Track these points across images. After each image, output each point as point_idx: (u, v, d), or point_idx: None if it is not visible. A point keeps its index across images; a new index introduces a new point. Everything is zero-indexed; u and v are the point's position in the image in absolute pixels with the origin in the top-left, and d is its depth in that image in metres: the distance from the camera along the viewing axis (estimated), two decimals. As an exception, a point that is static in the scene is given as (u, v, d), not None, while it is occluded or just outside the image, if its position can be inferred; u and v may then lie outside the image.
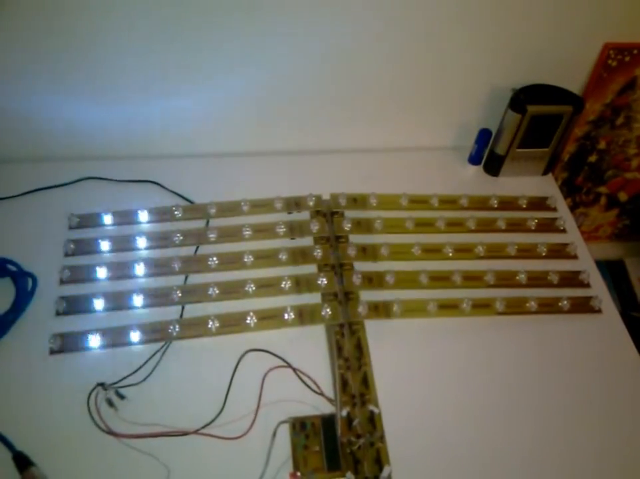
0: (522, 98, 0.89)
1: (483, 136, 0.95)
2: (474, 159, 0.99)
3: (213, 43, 0.83)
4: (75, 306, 0.75)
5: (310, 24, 0.83)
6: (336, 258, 0.82)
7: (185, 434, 0.65)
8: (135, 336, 0.72)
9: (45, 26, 0.77)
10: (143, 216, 0.84)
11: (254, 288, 0.77)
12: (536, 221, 0.90)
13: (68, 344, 0.71)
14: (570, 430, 0.70)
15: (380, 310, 0.77)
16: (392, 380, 0.71)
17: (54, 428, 0.65)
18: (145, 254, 0.81)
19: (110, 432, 0.64)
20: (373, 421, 0.67)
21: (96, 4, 0.76)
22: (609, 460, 0.69)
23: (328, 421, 0.67)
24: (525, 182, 0.97)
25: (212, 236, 0.83)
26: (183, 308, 0.76)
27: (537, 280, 0.83)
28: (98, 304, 0.75)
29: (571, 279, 0.84)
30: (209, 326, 0.73)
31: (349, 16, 0.82)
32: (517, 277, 0.83)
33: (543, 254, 0.86)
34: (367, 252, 0.83)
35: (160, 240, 0.82)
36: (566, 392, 0.74)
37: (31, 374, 0.69)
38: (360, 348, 0.73)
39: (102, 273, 0.78)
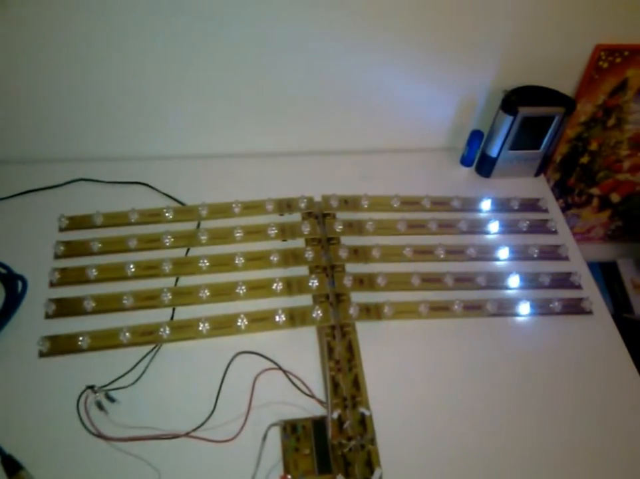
0: (514, 99, 0.89)
1: (475, 137, 0.95)
2: (466, 161, 0.99)
3: (205, 44, 0.83)
4: (65, 308, 0.74)
5: (305, 25, 0.83)
6: (328, 260, 0.82)
7: (175, 437, 0.65)
8: (125, 338, 0.72)
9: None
10: (134, 218, 0.84)
11: (245, 290, 0.77)
12: (528, 222, 0.90)
13: (58, 346, 0.71)
14: (562, 431, 0.70)
15: (372, 312, 0.77)
16: (383, 382, 0.71)
17: (44, 431, 0.65)
18: (135, 256, 0.80)
19: (100, 436, 0.64)
20: (364, 423, 0.67)
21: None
22: (600, 459, 0.69)
23: (319, 423, 0.67)
24: (517, 184, 0.97)
25: (203, 238, 0.83)
26: (173, 310, 0.76)
27: (528, 282, 0.83)
28: (88, 306, 0.74)
29: (563, 281, 0.84)
30: (200, 328, 0.73)
31: (343, 17, 0.82)
32: (509, 279, 0.83)
33: (535, 255, 0.87)
34: (359, 254, 0.83)
35: (150, 242, 0.82)
36: (557, 393, 0.74)
37: (20, 377, 0.69)
38: (352, 350, 0.73)
39: (92, 275, 0.77)
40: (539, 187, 0.98)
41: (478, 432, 0.69)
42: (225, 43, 0.83)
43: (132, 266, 0.78)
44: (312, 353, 0.74)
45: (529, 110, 0.88)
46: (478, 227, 0.89)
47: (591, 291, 0.84)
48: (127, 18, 0.78)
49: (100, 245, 0.81)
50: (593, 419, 0.72)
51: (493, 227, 0.89)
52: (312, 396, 0.69)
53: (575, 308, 0.81)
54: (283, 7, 0.79)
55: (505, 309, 0.80)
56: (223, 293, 0.77)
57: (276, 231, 0.84)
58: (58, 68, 0.82)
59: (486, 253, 0.86)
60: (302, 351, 0.74)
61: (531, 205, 0.94)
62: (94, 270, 0.77)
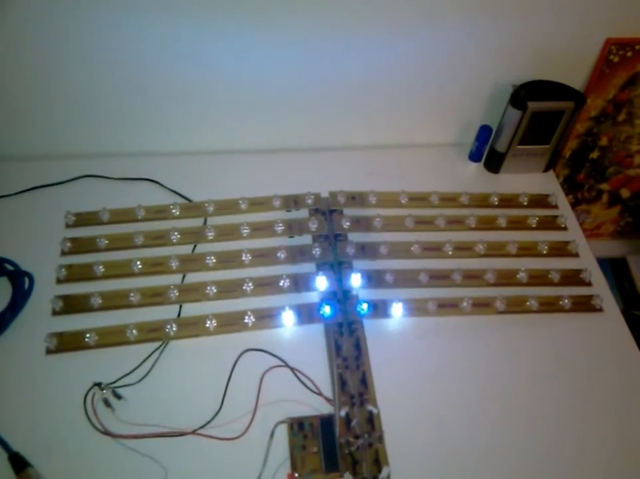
0: (523, 94, 0.88)
1: (484, 132, 0.94)
2: (475, 156, 0.98)
3: (208, 42, 0.82)
4: (72, 305, 0.74)
5: (312, 22, 0.82)
6: (335, 256, 0.81)
7: (182, 434, 0.65)
8: (132, 335, 0.71)
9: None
10: (140, 214, 0.84)
11: (252, 287, 0.77)
12: (537, 218, 0.89)
13: (65, 343, 0.71)
14: (571, 430, 0.70)
15: (379, 309, 0.76)
16: (391, 380, 0.71)
17: (51, 428, 0.65)
18: (142, 252, 0.80)
19: (107, 433, 0.64)
20: (372, 421, 0.66)
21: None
22: (612, 457, 0.68)
23: (326, 421, 0.66)
24: (526, 179, 0.97)
25: (210, 234, 0.82)
26: (180, 307, 0.76)
27: (537, 278, 0.82)
28: (95, 303, 0.74)
29: (573, 278, 0.83)
30: (207, 325, 0.73)
31: (350, 15, 0.81)
32: (518, 276, 0.82)
33: (544, 252, 0.86)
34: (366, 250, 0.82)
35: (157, 238, 0.82)
36: (567, 391, 0.73)
37: (28, 374, 0.69)
38: (359, 348, 0.73)
39: (99, 271, 0.77)
40: (549, 183, 0.98)
41: (487, 429, 0.69)
42: (228, 40, 0.82)
43: (138, 263, 0.78)
44: (319, 350, 0.73)
45: (538, 104, 0.88)
46: (486, 224, 0.88)
47: (601, 288, 0.83)
48: (132, 16, 0.78)
49: (106, 241, 0.80)
50: (604, 417, 0.71)
51: (502, 223, 0.88)
52: (319, 394, 0.69)
53: (585, 305, 0.81)
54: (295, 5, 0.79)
55: (514, 306, 0.79)
56: (230, 289, 0.77)
57: (283, 228, 0.84)
58: (65, 66, 0.82)
59: (495, 249, 0.85)
60: (309, 348, 0.73)
61: (540, 201, 0.93)
62: (100, 267, 0.77)
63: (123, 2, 0.76)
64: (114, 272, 0.78)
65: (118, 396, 0.67)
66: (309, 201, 0.87)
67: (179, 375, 0.70)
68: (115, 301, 0.75)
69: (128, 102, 0.88)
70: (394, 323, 0.77)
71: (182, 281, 0.78)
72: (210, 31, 0.81)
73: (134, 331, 0.72)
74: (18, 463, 0.61)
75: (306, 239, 0.84)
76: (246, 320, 0.74)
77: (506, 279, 0.82)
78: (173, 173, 0.90)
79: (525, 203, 0.92)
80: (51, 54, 0.81)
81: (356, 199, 0.89)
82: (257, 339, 0.72)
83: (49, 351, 0.70)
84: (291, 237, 0.84)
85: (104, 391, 0.67)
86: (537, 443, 0.68)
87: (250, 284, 0.77)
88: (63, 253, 0.80)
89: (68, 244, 0.80)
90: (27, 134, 0.91)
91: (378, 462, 0.63)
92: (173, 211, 0.85)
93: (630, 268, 1.29)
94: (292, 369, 0.70)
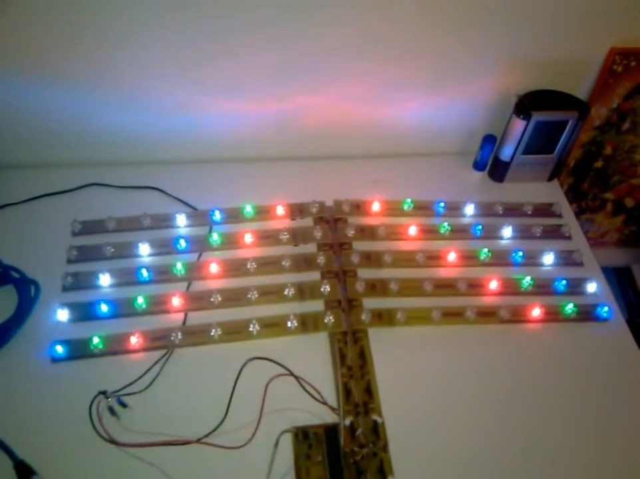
0: (527, 103, 0.88)
1: (488, 141, 0.95)
2: (479, 166, 0.99)
3: (214, 48, 0.83)
4: (77, 313, 0.74)
5: (312, 28, 0.82)
6: (340, 265, 0.82)
7: (187, 443, 0.64)
8: (137, 343, 0.72)
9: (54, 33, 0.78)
10: (146, 222, 0.84)
11: (257, 295, 0.77)
12: (541, 227, 0.89)
13: (71, 351, 0.71)
14: (576, 440, 0.70)
15: (384, 317, 0.77)
16: (395, 389, 0.71)
17: (56, 436, 0.65)
18: (147, 260, 0.81)
19: (112, 441, 0.64)
20: (376, 430, 0.66)
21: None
22: (615, 467, 0.68)
23: (331, 430, 0.66)
24: (531, 188, 0.97)
25: (215, 243, 0.83)
26: (185, 315, 0.76)
27: (542, 287, 0.82)
28: (101, 311, 0.74)
29: (577, 287, 0.83)
30: (212, 334, 0.73)
31: (353, 18, 0.82)
32: (522, 285, 0.82)
33: (549, 261, 0.86)
34: (371, 259, 0.83)
35: (162, 247, 0.82)
36: (572, 401, 0.73)
37: (33, 382, 0.69)
38: (364, 357, 0.73)
39: (104, 279, 0.78)
40: (553, 192, 0.98)
41: (491, 439, 0.69)
42: (236, 46, 0.83)
43: (144, 271, 0.78)
44: (324, 359, 0.73)
45: (542, 114, 0.88)
46: (490, 232, 0.88)
47: (606, 298, 0.83)
48: (135, 22, 0.78)
49: (112, 249, 0.81)
50: (609, 425, 0.71)
51: (507, 232, 0.89)
52: (324, 403, 0.69)
53: (590, 314, 0.80)
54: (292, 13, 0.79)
55: (519, 315, 0.79)
56: (235, 298, 0.77)
57: (288, 236, 0.84)
58: (70, 75, 0.83)
59: (499, 258, 0.85)
60: (314, 357, 0.73)
61: (544, 210, 0.93)
62: (106, 274, 0.78)
63: (125, 10, 0.76)
64: (120, 280, 0.78)
65: (123, 405, 0.67)
66: (314, 210, 0.87)
67: (184, 383, 0.70)
68: (121, 309, 0.75)
69: (132, 111, 0.89)
70: (399, 332, 0.76)
71: (187, 288, 0.79)
72: (215, 38, 0.81)
73: (140, 339, 0.72)
74: (24, 471, 0.61)
75: (310, 248, 0.84)
76: (251, 329, 0.74)
77: (511, 287, 0.82)
78: (178, 181, 0.91)
79: (530, 212, 0.92)
80: (57, 63, 0.81)
81: (360, 207, 0.89)
82: (262, 348, 0.72)
83: (55, 359, 0.70)
84: (296, 245, 0.84)
85: (109, 399, 0.67)
86: (541, 453, 0.68)
87: (255, 292, 0.77)
88: (69, 261, 0.80)
89: (74, 252, 0.80)
90: (33, 143, 0.91)
91: (383, 472, 0.63)
92: (179, 219, 0.85)
93: (634, 277, 1.29)
94: (296, 378, 0.70)
